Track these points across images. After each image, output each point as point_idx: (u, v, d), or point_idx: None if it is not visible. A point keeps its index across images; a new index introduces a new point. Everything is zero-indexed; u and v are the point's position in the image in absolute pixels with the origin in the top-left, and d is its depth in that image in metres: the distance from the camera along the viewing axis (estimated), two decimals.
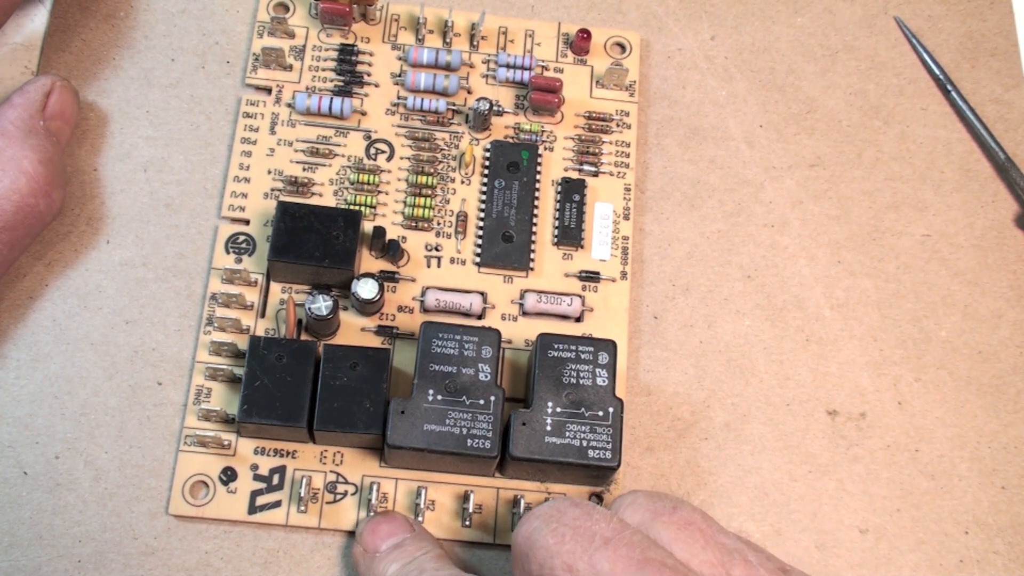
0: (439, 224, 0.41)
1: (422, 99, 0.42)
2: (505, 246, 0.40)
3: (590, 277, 0.41)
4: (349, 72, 0.43)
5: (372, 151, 0.42)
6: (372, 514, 0.37)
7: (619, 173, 0.42)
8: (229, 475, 0.37)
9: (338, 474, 0.38)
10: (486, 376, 0.36)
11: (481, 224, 0.41)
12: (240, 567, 0.37)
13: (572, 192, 0.42)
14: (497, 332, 0.37)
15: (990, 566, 0.38)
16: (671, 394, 0.40)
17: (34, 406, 0.38)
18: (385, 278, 0.40)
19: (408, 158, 0.42)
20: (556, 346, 0.37)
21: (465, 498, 0.37)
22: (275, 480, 0.37)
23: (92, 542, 0.37)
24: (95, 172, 0.41)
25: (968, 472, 0.40)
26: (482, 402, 0.36)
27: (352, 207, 0.40)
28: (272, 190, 0.41)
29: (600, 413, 0.36)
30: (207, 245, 0.40)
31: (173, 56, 0.43)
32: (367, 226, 0.40)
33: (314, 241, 0.38)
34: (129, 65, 0.43)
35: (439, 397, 0.36)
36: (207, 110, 0.42)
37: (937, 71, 0.45)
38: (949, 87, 0.45)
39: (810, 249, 0.42)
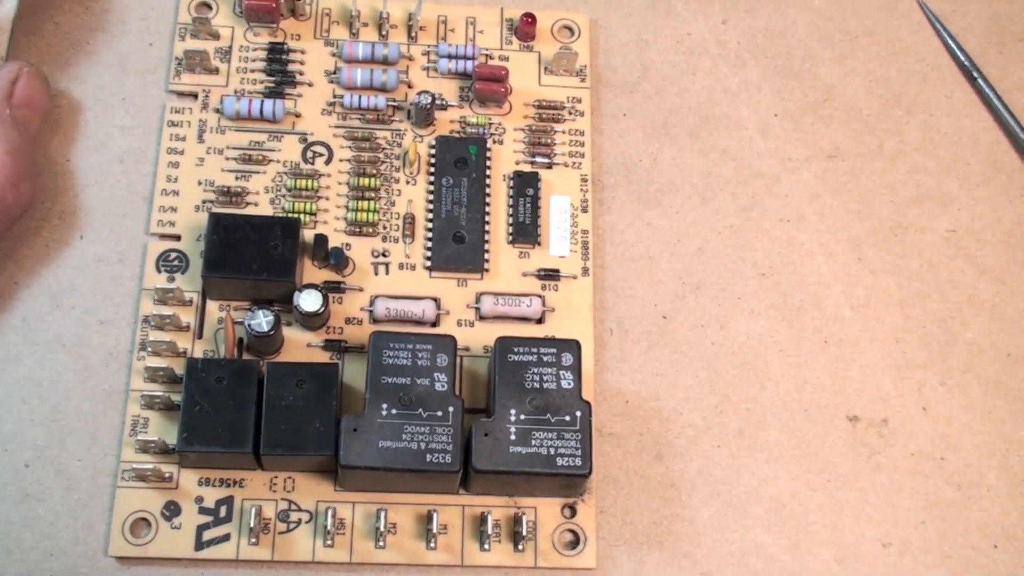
0: (385, 228, 0.40)
1: (360, 96, 0.41)
2: (457, 247, 0.39)
3: (549, 275, 0.40)
4: (280, 72, 0.41)
5: (309, 154, 0.41)
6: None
7: (574, 163, 0.41)
8: (172, 510, 0.36)
9: (290, 501, 0.36)
10: (443, 386, 0.35)
11: (430, 226, 0.40)
12: (224, 570, 0.36)
13: (525, 186, 0.41)
14: (452, 338, 0.36)
15: None
16: (681, 398, 0.40)
17: (2, 411, 0.37)
18: (329, 289, 0.39)
19: (348, 160, 0.41)
20: (516, 349, 0.36)
21: (428, 518, 0.36)
22: (222, 512, 0.36)
23: (64, 556, 0.36)
24: (68, 163, 0.40)
25: (996, 482, 0.39)
26: (440, 414, 0.35)
27: (290, 215, 0.39)
28: (204, 202, 0.40)
29: (567, 418, 0.35)
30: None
31: (151, 41, 0.42)
32: (307, 234, 0.39)
33: (251, 253, 0.37)
34: (104, 50, 0.42)
35: (393, 411, 0.35)
36: None
37: (962, 57, 0.45)
38: (975, 74, 0.44)
39: (828, 245, 0.42)
